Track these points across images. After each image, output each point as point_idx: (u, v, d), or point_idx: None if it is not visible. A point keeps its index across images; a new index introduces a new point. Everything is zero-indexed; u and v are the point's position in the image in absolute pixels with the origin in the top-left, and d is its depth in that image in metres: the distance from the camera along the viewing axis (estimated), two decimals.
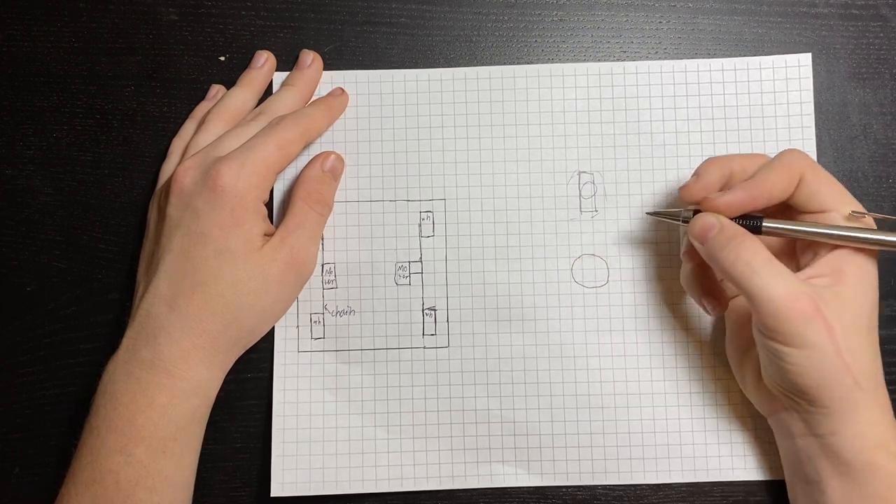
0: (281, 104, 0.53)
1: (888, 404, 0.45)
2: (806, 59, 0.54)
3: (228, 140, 0.50)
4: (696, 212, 0.47)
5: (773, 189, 0.46)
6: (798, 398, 0.45)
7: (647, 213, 0.53)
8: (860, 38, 0.54)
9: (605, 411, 0.52)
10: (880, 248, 0.45)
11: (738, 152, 0.53)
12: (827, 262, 0.46)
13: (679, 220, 0.48)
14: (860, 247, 0.45)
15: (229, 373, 0.50)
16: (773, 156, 0.48)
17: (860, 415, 0.44)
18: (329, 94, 0.54)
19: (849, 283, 0.45)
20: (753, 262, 0.44)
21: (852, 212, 0.46)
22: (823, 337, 0.43)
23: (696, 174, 0.48)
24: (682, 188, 0.48)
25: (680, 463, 0.52)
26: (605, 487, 0.53)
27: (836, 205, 0.46)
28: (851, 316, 0.44)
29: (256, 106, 0.54)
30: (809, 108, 0.53)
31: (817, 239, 0.46)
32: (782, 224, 0.47)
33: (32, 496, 0.53)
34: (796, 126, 0.53)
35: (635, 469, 0.52)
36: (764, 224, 0.47)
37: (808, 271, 0.46)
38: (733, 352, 0.51)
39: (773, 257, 0.44)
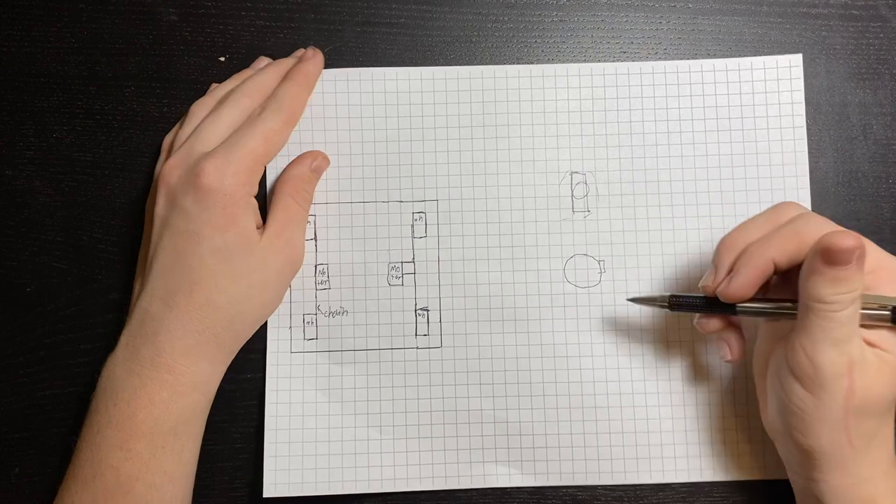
0: (258, 83, 0.52)
1: (885, 461, 0.44)
2: (797, 59, 0.54)
3: (207, 129, 0.50)
4: (674, 296, 0.48)
5: (774, 259, 0.44)
6: (791, 446, 0.45)
7: (629, 300, 0.51)
8: (860, 39, 0.54)
9: (599, 411, 0.52)
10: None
11: (729, 154, 0.53)
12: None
13: (659, 305, 0.49)
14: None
15: (228, 373, 0.50)
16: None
17: (848, 470, 0.44)
18: (302, 61, 0.53)
19: None
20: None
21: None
22: (840, 396, 0.42)
23: (714, 266, 0.46)
24: (703, 284, 0.47)
25: (680, 463, 0.52)
26: (605, 487, 0.52)
27: None
28: (882, 385, 0.43)
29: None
30: (801, 108, 0.53)
31: (785, 314, 0.45)
32: (753, 304, 0.45)
33: (32, 496, 0.53)
34: (787, 126, 0.53)
35: (635, 469, 0.52)
36: (738, 306, 0.46)
37: (872, 336, 0.44)
38: (764, 367, 0.48)
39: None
